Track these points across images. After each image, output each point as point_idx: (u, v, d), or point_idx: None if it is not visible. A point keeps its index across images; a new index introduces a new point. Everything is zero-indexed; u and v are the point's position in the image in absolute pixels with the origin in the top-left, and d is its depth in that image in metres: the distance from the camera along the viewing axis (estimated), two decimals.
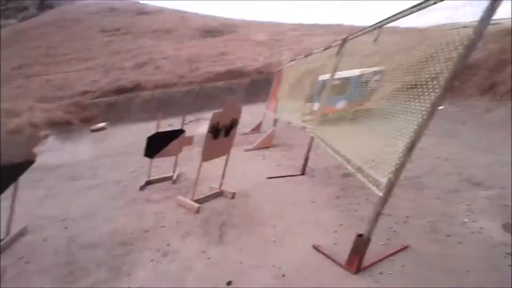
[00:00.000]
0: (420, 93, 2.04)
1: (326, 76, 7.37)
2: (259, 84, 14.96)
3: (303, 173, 4.53)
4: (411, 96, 2.17)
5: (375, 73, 8.39)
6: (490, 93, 7.35)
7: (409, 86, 2.34)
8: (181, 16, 31.87)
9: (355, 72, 7.31)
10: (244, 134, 8.25)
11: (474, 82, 7.94)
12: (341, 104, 7.41)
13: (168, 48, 21.91)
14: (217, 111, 3.50)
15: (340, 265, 2.28)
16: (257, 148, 6.44)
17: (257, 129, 8.68)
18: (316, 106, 7.75)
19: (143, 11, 31.92)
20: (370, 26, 3.24)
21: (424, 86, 2.02)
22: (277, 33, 25.95)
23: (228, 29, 27.54)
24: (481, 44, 8.02)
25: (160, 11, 32.95)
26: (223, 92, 17.02)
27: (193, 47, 22.46)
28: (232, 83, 17.84)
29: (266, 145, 6.56)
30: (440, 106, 1.92)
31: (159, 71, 17.15)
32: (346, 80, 7.12)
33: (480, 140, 5.12)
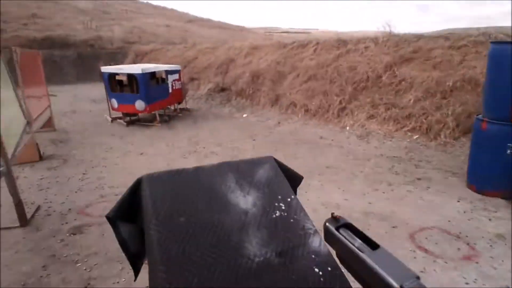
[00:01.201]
0: None
1: (109, 69, 7.62)
2: (89, 60, 12.22)
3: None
4: None
5: (170, 71, 8.27)
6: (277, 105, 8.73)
7: None
8: None
9: (138, 68, 7.42)
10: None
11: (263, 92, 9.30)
12: (140, 105, 7.49)
13: None
14: None
15: None
16: (18, 163, 5.07)
17: (48, 124, 7.42)
18: (114, 103, 7.76)
19: None
20: None
21: None
22: (104, 4, 22.61)
23: None
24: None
25: None
26: (44, 63, 15.43)
27: None
28: (54, 54, 15.36)
29: (28, 159, 5.30)
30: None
31: None
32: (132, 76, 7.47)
33: None
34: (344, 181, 4.73)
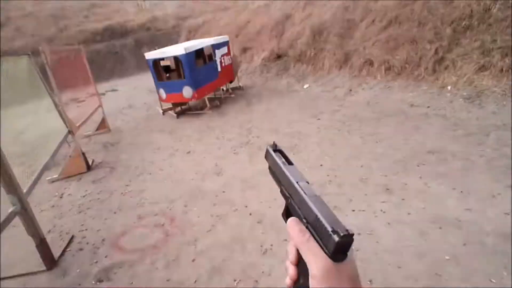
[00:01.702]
0: None
1: (153, 54, 7.32)
2: (147, 46, 11.46)
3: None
4: None
5: (217, 45, 7.75)
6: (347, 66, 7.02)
7: None
8: None
9: (180, 48, 6.80)
10: (88, 136, 6.87)
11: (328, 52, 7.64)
12: (187, 92, 6.86)
13: (25, 3, 18.70)
14: None
15: None
16: (66, 176, 5.04)
17: (102, 126, 7.14)
18: (162, 93, 7.39)
19: None
20: None
21: None
22: None
23: None
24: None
25: None
26: (106, 56, 14.72)
27: None
28: (115, 44, 15.20)
29: (75, 171, 5.07)
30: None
31: (21, 33, 14.41)
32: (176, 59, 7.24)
33: None
34: (458, 174, 3.29)
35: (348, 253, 0.39)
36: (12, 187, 2.85)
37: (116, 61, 16.07)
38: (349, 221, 3.01)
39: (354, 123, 4.96)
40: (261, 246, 2.88)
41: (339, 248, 0.37)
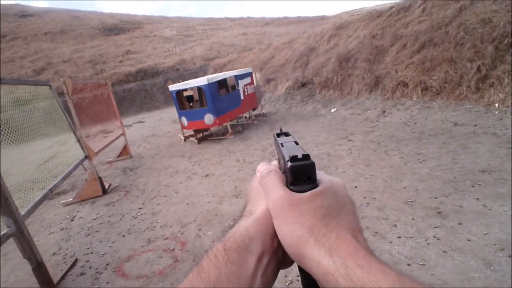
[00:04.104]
0: None
1: (176, 86, 7.52)
2: (173, 81, 11.18)
3: None
4: None
5: (240, 76, 7.87)
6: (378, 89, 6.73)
7: None
8: (73, 15, 30.75)
9: (203, 79, 6.92)
10: (109, 162, 6.92)
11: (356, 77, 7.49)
12: (209, 119, 6.85)
13: (66, 50, 21.31)
14: None
15: None
16: (81, 200, 4.94)
17: (124, 152, 7.10)
18: (184, 121, 7.48)
19: (26, 13, 30.60)
20: None
21: None
22: (185, 28, 24.57)
23: (131, 26, 25.82)
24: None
25: (47, 12, 31.58)
26: (136, 94, 15.95)
27: (94, 47, 21.67)
28: (145, 83, 16.51)
29: (90, 195, 4.96)
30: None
31: (60, 76, 15.29)
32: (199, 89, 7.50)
33: None
34: None
35: (325, 185, 0.32)
36: (7, 209, 2.61)
37: (145, 97, 16.78)
38: (395, 249, 2.50)
39: (391, 143, 4.49)
40: (285, 276, 2.41)
41: (295, 174, 0.32)
